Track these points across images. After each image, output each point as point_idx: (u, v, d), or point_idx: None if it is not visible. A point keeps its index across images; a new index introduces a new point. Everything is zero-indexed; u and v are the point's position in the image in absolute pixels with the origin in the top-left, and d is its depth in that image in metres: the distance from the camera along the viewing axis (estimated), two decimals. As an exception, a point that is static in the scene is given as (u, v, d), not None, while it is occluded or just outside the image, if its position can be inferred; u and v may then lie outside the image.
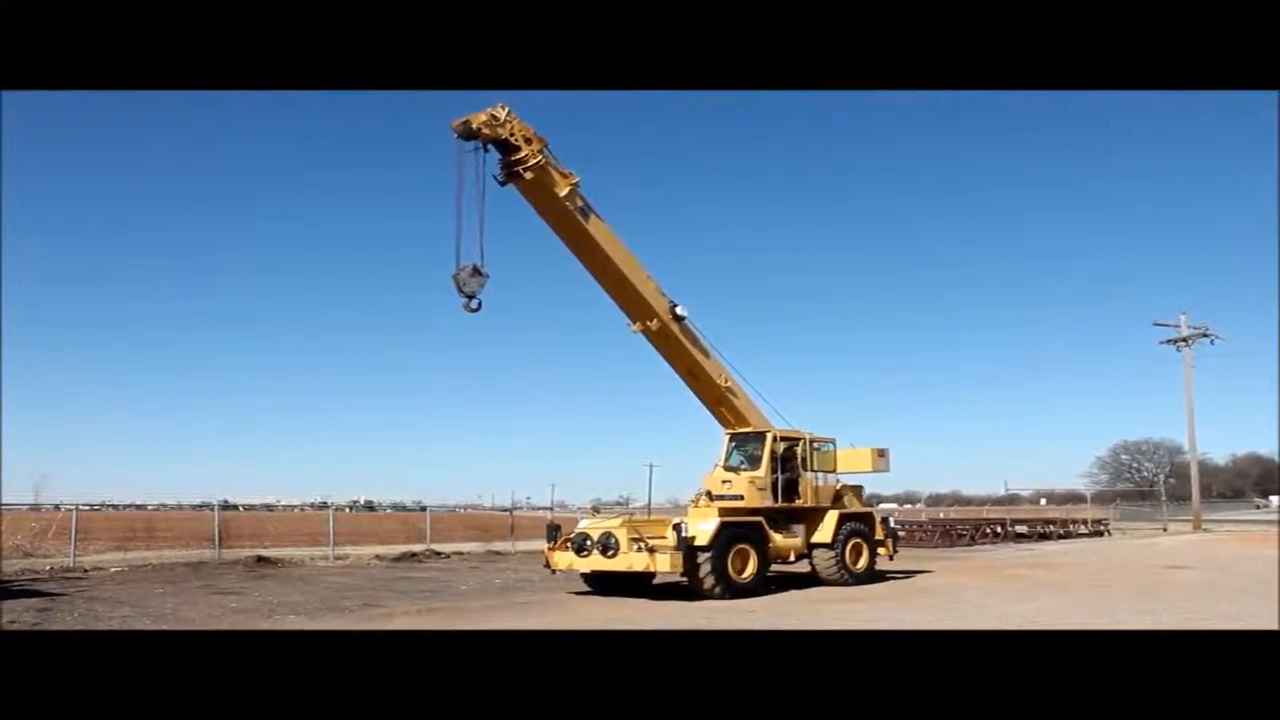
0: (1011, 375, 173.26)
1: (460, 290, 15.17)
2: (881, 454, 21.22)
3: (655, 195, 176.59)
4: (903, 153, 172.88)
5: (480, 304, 15.33)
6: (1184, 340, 52.68)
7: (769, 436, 18.80)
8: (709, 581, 16.12)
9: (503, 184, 15.84)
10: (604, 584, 17.38)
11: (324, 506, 47.31)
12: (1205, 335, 52.63)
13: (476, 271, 15.20)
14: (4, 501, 29.38)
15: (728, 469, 18.82)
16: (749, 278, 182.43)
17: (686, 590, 16.39)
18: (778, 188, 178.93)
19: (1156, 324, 54.14)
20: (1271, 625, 11.97)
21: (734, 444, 19.28)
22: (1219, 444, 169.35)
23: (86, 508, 28.75)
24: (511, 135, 15.43)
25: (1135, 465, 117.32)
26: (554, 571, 17.93)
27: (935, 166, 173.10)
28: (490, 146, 15.53)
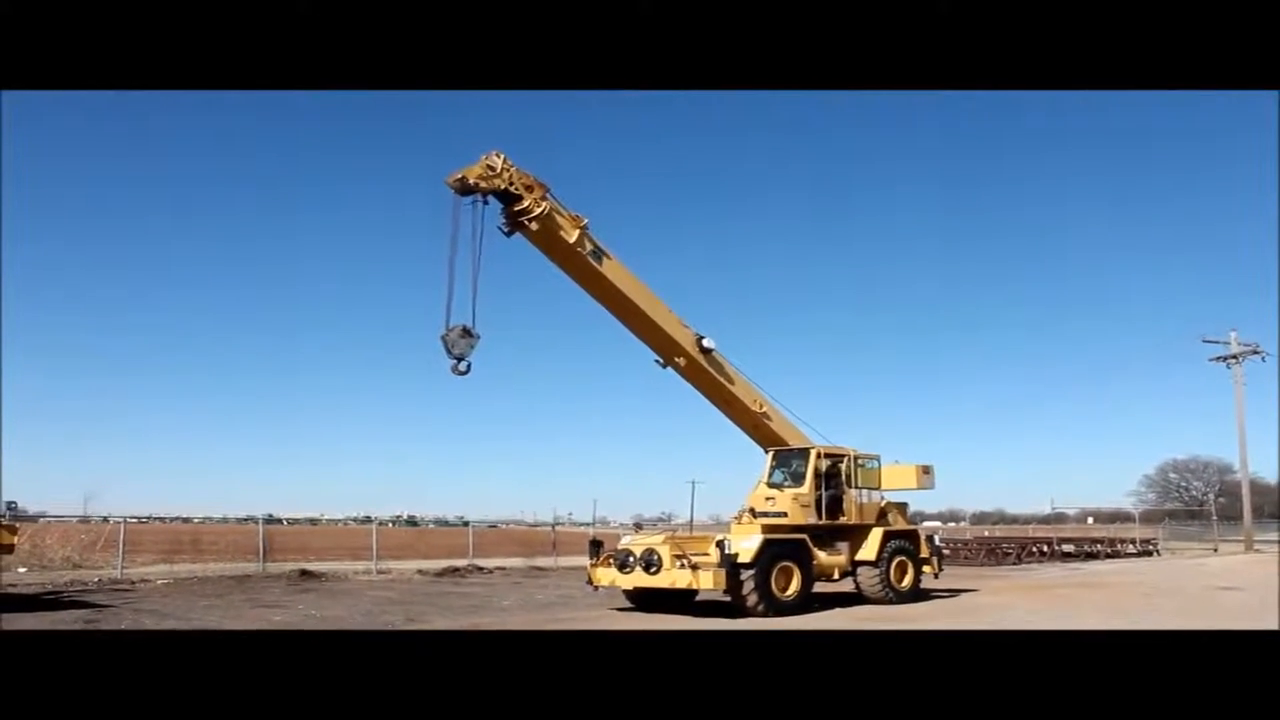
0: (1058, 392, 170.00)
1: (449, 352, 14.65)
2: (926, 471, 21.03)
3: (669, 208, 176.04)
4: (946, 165, 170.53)
5: (470, 366, 14.78)
6: (1234, 358, 51.67)
7: (813, 453, 18.67)
8: (752, 599, 16.03)
9: (508, 234, 15.46)
10: (646, 601, 17.33)
11: (367, 521, 47.73)
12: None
13: (466, 332, 14.64)
14: (50, 513, 30.14)
15: (771, 486, 18.71)
16: (783, 295, 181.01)
17: (729, 608, 16.29)
18: (822, 199, 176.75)
19: (1206, 340, 53.15)
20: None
21: (777, 461, 19.16)
22: (1269, 463, 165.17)
23: (135, 520, 29.28)
24: (511, 185, 14.99)
25: (1184, 484, 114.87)
26: (596, 588, 17.93)
27: (980, 178, 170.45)
28: (490, 198, 15.13)
